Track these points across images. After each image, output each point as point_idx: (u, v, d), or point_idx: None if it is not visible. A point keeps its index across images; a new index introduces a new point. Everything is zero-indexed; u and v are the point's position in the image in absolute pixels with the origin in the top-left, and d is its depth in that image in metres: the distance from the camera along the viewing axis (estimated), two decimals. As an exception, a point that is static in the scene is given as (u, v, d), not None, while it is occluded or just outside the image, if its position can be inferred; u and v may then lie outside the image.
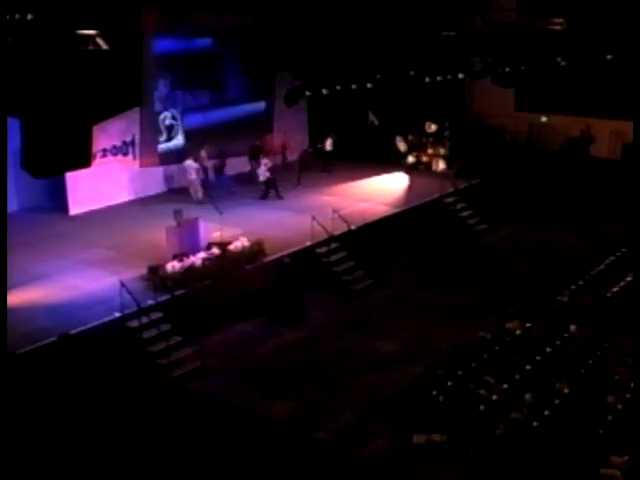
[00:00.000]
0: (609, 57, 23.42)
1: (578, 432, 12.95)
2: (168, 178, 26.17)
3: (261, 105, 28.60)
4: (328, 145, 28.46)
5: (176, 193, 25.29)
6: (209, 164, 25.88)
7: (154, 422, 14.37)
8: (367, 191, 26.17)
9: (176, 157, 26.12)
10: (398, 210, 24.23)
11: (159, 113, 25.60)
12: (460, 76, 26.22)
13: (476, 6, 28.12)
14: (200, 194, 24.76)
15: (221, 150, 26.32)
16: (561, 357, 15.34)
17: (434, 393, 14.38)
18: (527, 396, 13.96)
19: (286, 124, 28.91)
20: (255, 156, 27.25)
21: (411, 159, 29.39)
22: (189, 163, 25.00)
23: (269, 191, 25.23)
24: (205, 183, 25.46)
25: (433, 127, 29.66)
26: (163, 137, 25.93)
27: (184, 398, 15.65)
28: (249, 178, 26.64)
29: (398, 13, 25.14)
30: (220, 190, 24.91)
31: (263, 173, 25.15)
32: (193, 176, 24.92)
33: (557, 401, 13.72)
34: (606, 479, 12.17)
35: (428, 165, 29.11)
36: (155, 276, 17.97)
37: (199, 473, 13.26)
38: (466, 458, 13.33)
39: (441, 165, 28.94)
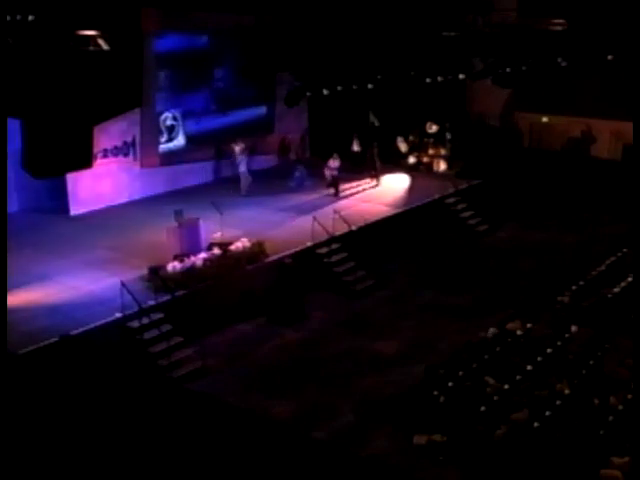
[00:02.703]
0: (610, 57, 23.41)
1: (579, 433, 12.95)
2: (169, 179, 26.15)
3: (262, 109, 28.64)
4: (356, 146, 28.48)
5: (177, 194, 25.30)
6: (242, 158, 26.04)
7: (155, 423, 14.36)
8: (368, 192, 26.19)
9: (177, 158, 26.16)
10: (399, 211, 24.24)
11: (160, 114, 25.63)
12: (461, 76, 26.22)
13: (477, 7, 28.13)
14: (244, 190, 25.37)
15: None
16: (562, 358, 15.33)
17: (435, 393, 14.38)
18: (528, 396, 13.98)
19: (287, 125, 28.94)
20: (284, 152, 27.39)
21: (412, 160, 29.37)
22: (240, 158, 25.60)
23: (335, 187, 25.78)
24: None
25: (434, 128, 29.64)
26: (164, 138, 25.97)
27: (185, 398, 15.65)
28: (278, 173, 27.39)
29: (399, 14, 25.16)
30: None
31: (331, 171, 25.69)
32: (242, 169, 25.43)
33: (558, 402, 13.71)
34: (607, 480, 12.19)
35: (429, 166, 29.09)
36: (156, 277, 17.96)
37: (199, 473, 13.26)
38: (467, 459, 13.34)
39: (442, 166, 28.93)
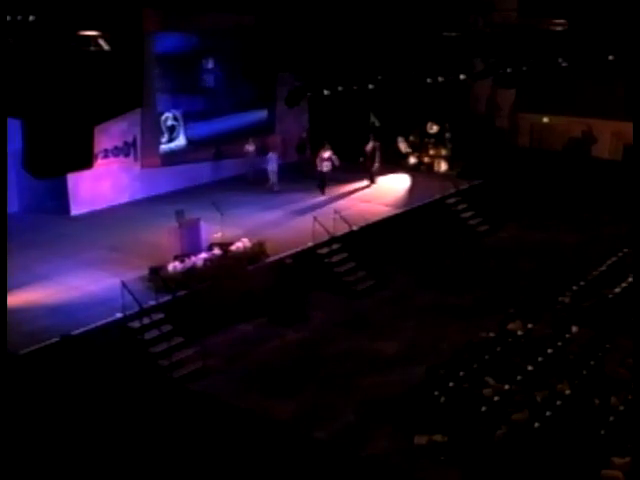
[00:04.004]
0: (610, 58, 23.41)
1: (579, 433, 12.94)
2: (170, 179, 26.12)
3: (263, 111, 28.60)
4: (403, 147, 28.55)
5: (178, 194, 25.29)
6: (272, 156, 26.14)
7: (156, 423, 14.38)
8: (368, 192, 26.20)
9: (178, 158, 26.15)
10: (400, 211, 24.24)
11: (161, 114, 25.62)
12: (462, 77, 26.21)
13: (478, 7, 28.15)
14: (276, 186, 25.70)
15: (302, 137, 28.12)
16: (562, 358, 15.33)
17: (436, 394, 14.38)
18: (529, 397, 13.98)
19: (287, 125, 28.95)
20: (302, 150, 27.40)
21: (413, 160, 29.38)
22: (271, 155, 25.98)
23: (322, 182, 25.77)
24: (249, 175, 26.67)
25: (435, 128, 29.63)
26: (165, 138, 25.96)
27: (185, 399, 15.66)
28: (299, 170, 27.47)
29: (400, 14, 25.17)
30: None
31: (320, 165, 25.67)
32: (274, 167, 25.71)
33: (558, 402, 13.71)
34: (607, 480, 12.19)
35: (430, 166, 29.10)
36: (156, 277, 17.96)
37: (200, 473, 13.27)
38: (467, 459, 13.34)
39: (443, 166, 28.93)
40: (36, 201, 23.61)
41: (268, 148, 27.21)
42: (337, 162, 25.87)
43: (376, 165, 27.32)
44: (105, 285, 17.89)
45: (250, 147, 26.68)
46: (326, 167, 25.62)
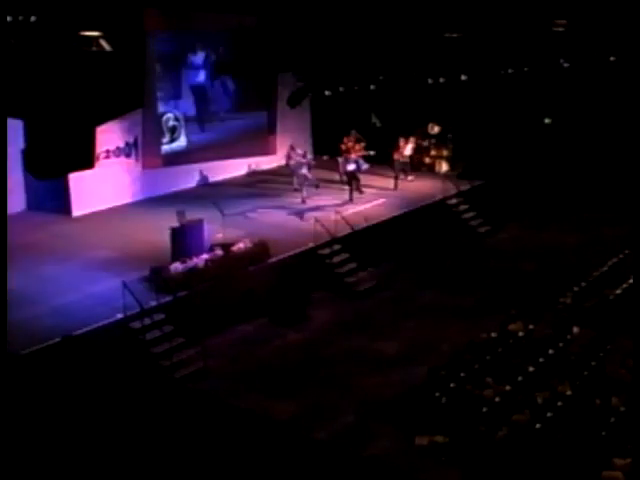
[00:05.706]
0: (612, 59, 23.42)
1: (580, 434, 12.94)
2: (171, 179, 26.12)
3: (264, 114, 28.52)
4: (408, 150, 27.93)
5: (179, 194, 25.29)
6: (302, 162, 25.70)
7: (157, 423, 14.38)
8: (370, 192, 26.19)
9: (179, 158, 26.14)
10: (401, 212, 24.22)
11: (162, 114, 25.62)
12: (463, 77, 26.19)
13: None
14: (305, 192, 25.10)
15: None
16: (564, 359, 15.33)
17: (437, 394, 14.38)
18: (530, 398, 13.97)
19: (288, 125, 28.92)
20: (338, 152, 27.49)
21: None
22: (299, 159, 25.37)
23: (351, 185, 25.24)
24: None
25: (436, 129, 29.60)
26: (166, 138, 25.93)
27: (187, 399, 15.66)
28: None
29: (401, 14, 25.16)
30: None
31: (344, 167, 25.33)
32: (304, 171, 25.10)
33: (559, 403, 13.70)
34: (608, 481, 12.17)
35: (431, 167, 29.10)
36: (158, 277, 17.98)
37: (201, 473, 13.27)
38: (469, 460, 13.33)
39: (444, 166, 28.90)
40: (38, 201, 23.63)
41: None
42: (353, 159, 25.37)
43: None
44: (106, 285, 17.88)
45: (297, 155, 26.17)
46: (361, 167, 25.18)
